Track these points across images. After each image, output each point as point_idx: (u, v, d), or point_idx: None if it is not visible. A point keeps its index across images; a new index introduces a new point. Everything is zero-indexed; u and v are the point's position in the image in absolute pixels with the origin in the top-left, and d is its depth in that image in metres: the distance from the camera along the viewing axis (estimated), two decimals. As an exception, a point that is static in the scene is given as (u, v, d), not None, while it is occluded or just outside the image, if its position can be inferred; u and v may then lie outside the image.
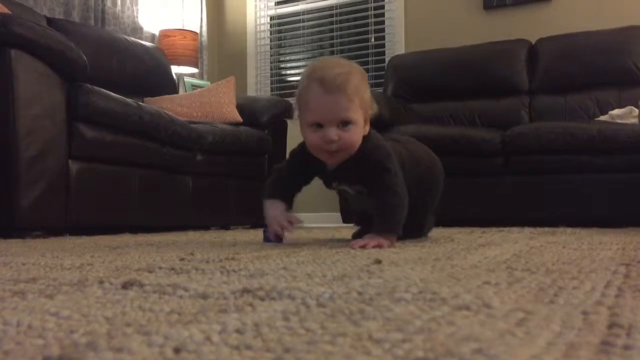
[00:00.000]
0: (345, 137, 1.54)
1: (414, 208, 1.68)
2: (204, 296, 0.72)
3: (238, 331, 0.52)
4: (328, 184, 1.78)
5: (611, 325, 0.53)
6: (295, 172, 1.75)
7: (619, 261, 1.11)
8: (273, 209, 1.69)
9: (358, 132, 1.57)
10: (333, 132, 1.52)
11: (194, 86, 4.31)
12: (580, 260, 1.13)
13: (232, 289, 0.75)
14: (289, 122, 3.85)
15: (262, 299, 0.69)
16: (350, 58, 4.67)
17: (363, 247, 1.47)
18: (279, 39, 5.04)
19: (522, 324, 0.53)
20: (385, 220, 1.58)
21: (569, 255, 1.23)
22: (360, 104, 1.55)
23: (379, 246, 1.49)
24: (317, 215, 4.22)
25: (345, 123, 1.53)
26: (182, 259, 1.21)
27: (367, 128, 1.63)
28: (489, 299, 0.65)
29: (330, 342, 0.47)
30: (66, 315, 0.60)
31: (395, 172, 1.61)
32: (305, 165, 1.72)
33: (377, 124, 3.38)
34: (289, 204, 1.72)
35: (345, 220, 3.47)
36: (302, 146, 1.70)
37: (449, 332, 0.50)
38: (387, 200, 1.59)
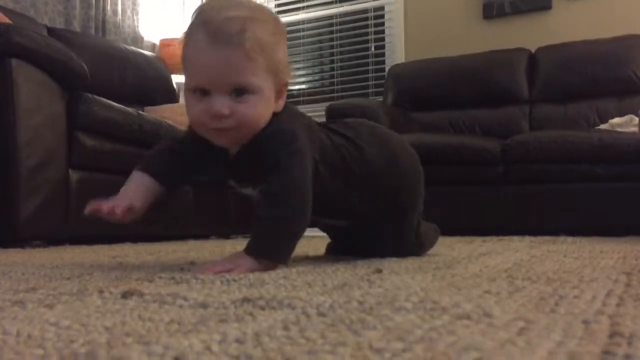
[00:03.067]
0: (240, 110, 1.13)
1: (395, 225, 1.43)
2: (204, 305, 0.72)
3: (238, 341, 0.51)
4: (224, 182, 1.35)
5: (612, 335, 0.53)
6: (188, 150, 1.33)
7: (620, 270, 1.11)
8: (134, 183, 1.29)
9: (261, 105, 1.16)
10: (222, 103, 1.12)
11: (195, 95, 4.31)
12: (581, 269, 1.13)
13: (232, 299, 0.75)
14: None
15: (262, 308, 0.69)
16: (350, 67, 4.71)
17: (213, 271, 1.07)
18: (279, 48, 5.05)
19: (523, 334, 0.53)
20: (259, 236, 1.17)
21: (569, 264, 1.23)
22: (266, 66, 1.14)
23: (232, 271, 1.08)
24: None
25: (240, 91, 1.13)
26: (182, 269, 1.21)
27: (281, 103, 1.23)
28: (489, 308, 0.65)
29: (331, 351, 0.47)
30: (66, 325, 0.60)
31: (291, 168, 1.17)
32: (200, 147, 1.28)
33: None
34: (165, 185, 1.30)
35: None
36: (191, 132, 1.32)
37: (449, 342, 0.50)
38: (268, 209, 1.16)
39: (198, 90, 1.14)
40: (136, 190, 1.28)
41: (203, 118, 1.15)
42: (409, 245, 1.51)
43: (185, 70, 1.17)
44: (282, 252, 1.18)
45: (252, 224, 1.18)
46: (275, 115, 1.22)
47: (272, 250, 1.16)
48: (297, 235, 1.19)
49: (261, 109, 1.17)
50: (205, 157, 1.32)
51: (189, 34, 1.15)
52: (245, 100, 1.13)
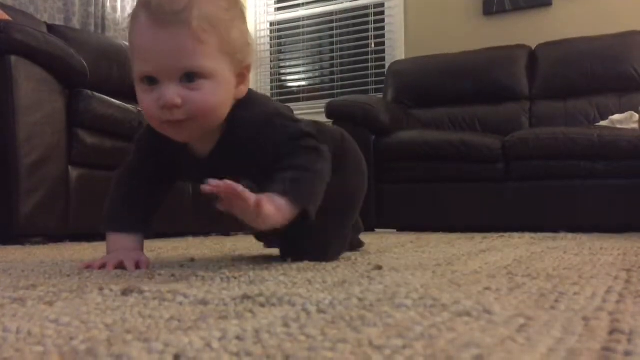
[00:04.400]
0: (194, 99, 1.02)
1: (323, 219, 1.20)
2: (204, 303, 0.72)
3: (238, 338, 0.51)
4: (201, 181, 1.10)
5: (612, 331, 0.53)
6: (149, 170, 1.23)
7: (620, 267, 1.11)
8: (121, 243, 1.20)
9: (219, 91, 1.05)
10: (172, 91, 1.00)
11: (194, 92, 4.31)
12: (581, 266, 1.13)
13: (232, 296, 0.75)
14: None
15: (262, 306, 0.69)
16: (350, 64, 4.71)
17: (231, 194, 0.94)
18: (279, 44, 5.04)
19: (523, 330, 0.53)
20: (292, 181, 1.05)
21: (569, 261, 1.23)
22: (219, 47, 1.03)
23: (259, 207, 0.96)
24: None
25: (191, 76, 1.01)
26: (182, 266, 1.21)
27: (244, 89, 1.12)
28: (489, 305, 0.65)
29: (331, 348, 0.47)
30: (66, 322, 0.60)
31: (321, 149, 1.12)
32: (161, 153, 1.20)
33: (377, 130, 3.42)
34: (144, 230, 1.23)
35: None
36: (149, 128, 1.17)
37: (449, 339, 0.50)
38: (303, 163, 1.09)
39: (145, 80, 1.03)
40: (130, 250, 1.18)
41: (154, 110, 1.04)
42: (332, 246, 1.34)
43: (132, 59, 1.05)
44: (312, 201, 1.07)
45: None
46: (241, 102, 1.12)
47: (308, 198, 1.06)
48: (321, 195, 1.10)
49: (219, 95, 1.05)
50: (169, 164, 1.22)
51: (132, 16, 1.04)
52: (198, 87, 1.02)
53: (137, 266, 1.14)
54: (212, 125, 1.10)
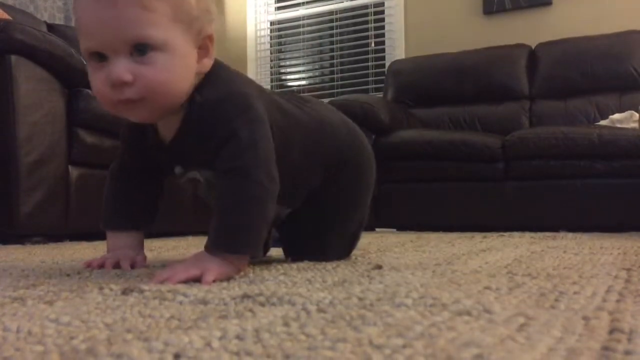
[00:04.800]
0: (146, 74, 0.92)
1: (321, 217, 1.24)
2: (204, 302, 0.72)
3: (238, 337, 0.51)
4: (170, 171, 1.14)
5: (612, 331, 0.53)
6: (136, 162, 1.17)
7: (620, 266, 1.11)
8: (119, 241, 1.17)
9: (175, 65, 0.94)
10: (121, 67, 0.91)
11: (194, 91, 4.31)
12: (581, 265, 1.13)
13: (232, 295, 0.75)
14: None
15: (262, 305, 0.69)
16: (350, 63, 4.71)
17: (175, 281, 0.87)
18: (279, 44, 5.04)
19: (523, 330, 0.53)
20: (221, 228, 0.96)
21: (569, 260, 1.23)
22: (172, 15, 0.93)
23: (197, 279, 0.89)
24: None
25: (141, 48, 0.91)
26: (182, 265, 1.21)
27: (208, 62, 1.02)
28: (489, 304, 0.65)
29: (331, 347, 0.47)
30: (66, 322, 0.60)
31: (254, 142, 0.98)
32: (141, 142, 1.12)
33: (377, 129, 3.42)
34: (143, 226, 1.19)
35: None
36: None
37: (449, 338, 0.50)
38: (230, 192, 0.97)
39: (93, 56, 0.94)
40: (128, 248, 1.15)
41: (104, 90, 0.94)
42: (343, 244, 1.32)
43: (79, 37, 0.96)
44: (252, 242, 0.97)
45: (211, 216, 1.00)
46: (206, 78, 1.02)
47: (240, 242, 0.95)
48: (267, 218, 0.99)
49: (175, 70, 0.95)
50: (150, 155, 1.12)
51: None
52: (151, 61, 0.92)
53: (133, 266, 1.12)
54: (171, 104, 0.98)
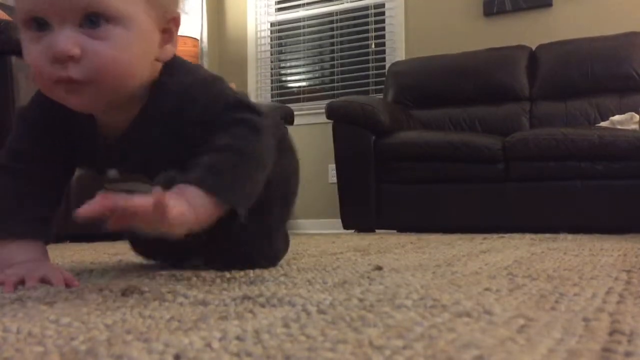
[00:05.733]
0: (98, 49, 0.76)
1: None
2: (204, 303, 0.72)
3: (238, 338, 0.51)
4: (101, 171, 0.96)
5: (612, 332, 0.53)
6: (37, 155, 0.93)
7: (620, 268, 1.11)
8: (19, 253, 0.90)
9: (132, 44, 0.80)
10: (67, 38, 0.75)
11: (195, 93, 4.31)
12: (582, 266, 1.13)
13: (232, 296, 0.75)
14: (289, 128, 3.85)
15: (262, 306, 0.69)
16: (350, 64, 4.71)
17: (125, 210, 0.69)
18: (280, 45, 5.04)
19: (523, 331, 0.53)
20: (211, 167, 0.81)
21: (570, 262, 1.23)
22: None
23: (161, 207, 0.70)
24: (317, 221, 4.22)
25: (95, 18, 0.77)
26: (182, 266, 1.21)
27: (171, 49, 0.88)
28: (489, 305, 0.65)
29: (331, 349, 0.47)
30: (66, 323, 0.60)
31: (260, 125, 0.87)
32: (55, 132, 0.92)
33: (377, 130, 3.42)
34: (44, 234, 0.95)
35: (347, 226, 3.47)
36: (39, 94, 0.91)
37: (449, 339, 0.50)
38: (237, 137, 0.85)
39: (31, 23, 0.78)
40: (34, 261, 0.90)
41: (43, 65, 0.77)
42: (279, 248, 1.16)
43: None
44: (242, 196, 0.82)
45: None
46: (167, 66, 0.88)
47: (233, 191, 0.80)
48: (258, 188, 0.85)
49: (133, 49, 0.80)
50: (66, 145, 0.93)
51: None
52: (104, 35, 0.77)
53: (45, 280, 0.88)
54: (123, 91, 0.83)
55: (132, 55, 0.80)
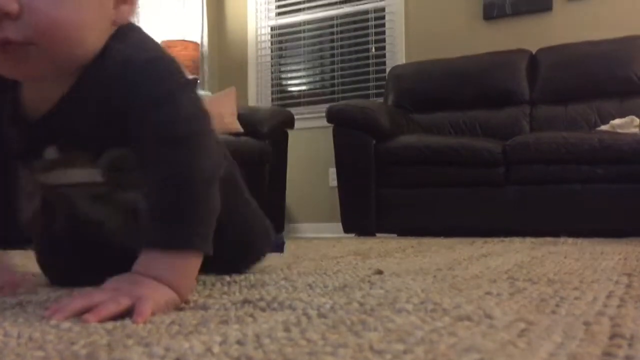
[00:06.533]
0: (38, 5, 0.67)
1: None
2: (205, 307, 0.71)
3: (239, 342, 0.51)
4: (29, 159, 0.82)
5: (613, 336, 0.53)
6: None
7: (620, 271, 1.11)
8: None
9: (83, 2, 0.71)
10: None
11: (195, 97, 4.32)
12: (582, 270, 1.13)
13: (232, 300, 0.75)
14: (289, 132, 3.86)
15: (263, 310, 0.69)
16: (351, 68, 4.71)
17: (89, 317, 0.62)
18: (280, 49, 5.05)
19: (523, 335, 0.53)
20: (160, 216, 0.71)
21: (570, 266, 1.23)
22: None
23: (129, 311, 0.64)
24: (317, 225, 4.22)
25: None
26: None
27: (127, 11, 0.79)
28: (490, 309, 0.65)
29: (332, 353, 0.47)
30: (66, 327, 0.60)
31: (197, 110, 0.76)
32: None
33: (378, 134, 3.42)
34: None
35: (347, 230, 3.47)
36: None
37: (450, 343, 0.50)
38: (170, 165, 0.71)
39: None
40: None
41: None
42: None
43: None
44: (205, 232, 0.72)
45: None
46: (119, 32, 0.76)
47: (198, 237, 0.71)
48: (215, 208, 0.74)
49: (82, 7, 0.70)
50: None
51: None
52: None
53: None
54: (71, 57, 0.71)
55: (79, 14, 0.69)
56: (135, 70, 0.72)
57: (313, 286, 0.89)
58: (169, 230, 0.70)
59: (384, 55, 4.59)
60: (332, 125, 3.45)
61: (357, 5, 4.70)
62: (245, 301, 0.73)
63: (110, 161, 0.76)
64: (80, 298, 0.66)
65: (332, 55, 4.82)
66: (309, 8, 4.87)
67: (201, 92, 4.42)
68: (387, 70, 4.38)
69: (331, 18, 4.80)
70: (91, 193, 0.82)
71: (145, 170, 0.72)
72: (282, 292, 0.82)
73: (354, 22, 4.73)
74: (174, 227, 0.70)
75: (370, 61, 4.66)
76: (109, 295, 0.65)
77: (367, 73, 4.64)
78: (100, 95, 0.73)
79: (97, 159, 0.77)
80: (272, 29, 5.04)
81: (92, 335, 0.56)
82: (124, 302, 0.64)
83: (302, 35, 4.92)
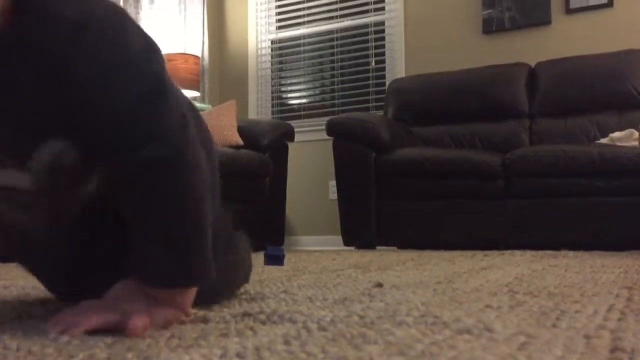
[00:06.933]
0: None
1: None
2: (205, 320, 0.71)
3: (239, 355, 0.51)
4: None
5: (614, 350, 0.53)
6: None
7: (621, 284, 1.11)
8: None
9: None
10: None
11: (196, 110, 4.33)
12: (583, 283, 1.13)
13: (232, 313, 0.75)
14: (290, 144, 3.86)
15: (263, 323, 0.68)
16: (351, 81, 4.73)
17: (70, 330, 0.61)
18: (280, 62, 5.07)
19: (524, 348, 0.53)
20: (150, 251, 0.65)
21: (571, 279, 1.22)
22: None
23: (117, 326, 0.63)
24: (317, 238, 4.22)
25: None
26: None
27: None
28: (490, 322, 0.65)
29: (332, 366, 0.47)
30: (65, 341, 0.60)
31: (173, 92, 0.66)
32: None
33: (378, 147, 3.43)
34: None
35: (347, 243, 3.46)
36: None
37: (450, 356, 0.49)
38: (152, 188, 0.64)
39: None
40: None
41: None
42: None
43: None
44: (203, 263, 0.67)
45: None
46: None
47: (185, 268, 0.66)
48: (205, 227, 0.67)
49: None
50: None
51: None
52: None
53: None
54: None
55: None
56: (89, 39, 0.59)
57: (313, 299, 0.89)
58: (170, 268, 0.65)
59: (383, 69, 4.61)
60: (332, 138, 3.46)
61: (357, 19, 4.72)
62: (245, 314, 0.73)
63: (44, 164, 0.62)
64: (70, 312, 0.65)
65: (332, 69, 4.84)
66: (309, 22, 4.89)
67: (202, 106, 4.44)
68: (387, 83, 4.39)
69: (331, 32, 4.82)
70: (16, 201, 0.68)
71: (121, 189, 0.64)
72: (282, 305, 0.82)
73: (354, 36, 4.75)
74: (174, 264, 0.65)
75: (370, 74, 4.67)
76: (97, 308, 0.65)
77: (367, 86, 4.65)
78: (15, 74, 0.59)
79: (26, 160, 0.63)
80: (273, 42, 5.06)
81: (91, 348, 0.56)
82: (111, 316, 0.64)
83: (302, 48, 4.94)
